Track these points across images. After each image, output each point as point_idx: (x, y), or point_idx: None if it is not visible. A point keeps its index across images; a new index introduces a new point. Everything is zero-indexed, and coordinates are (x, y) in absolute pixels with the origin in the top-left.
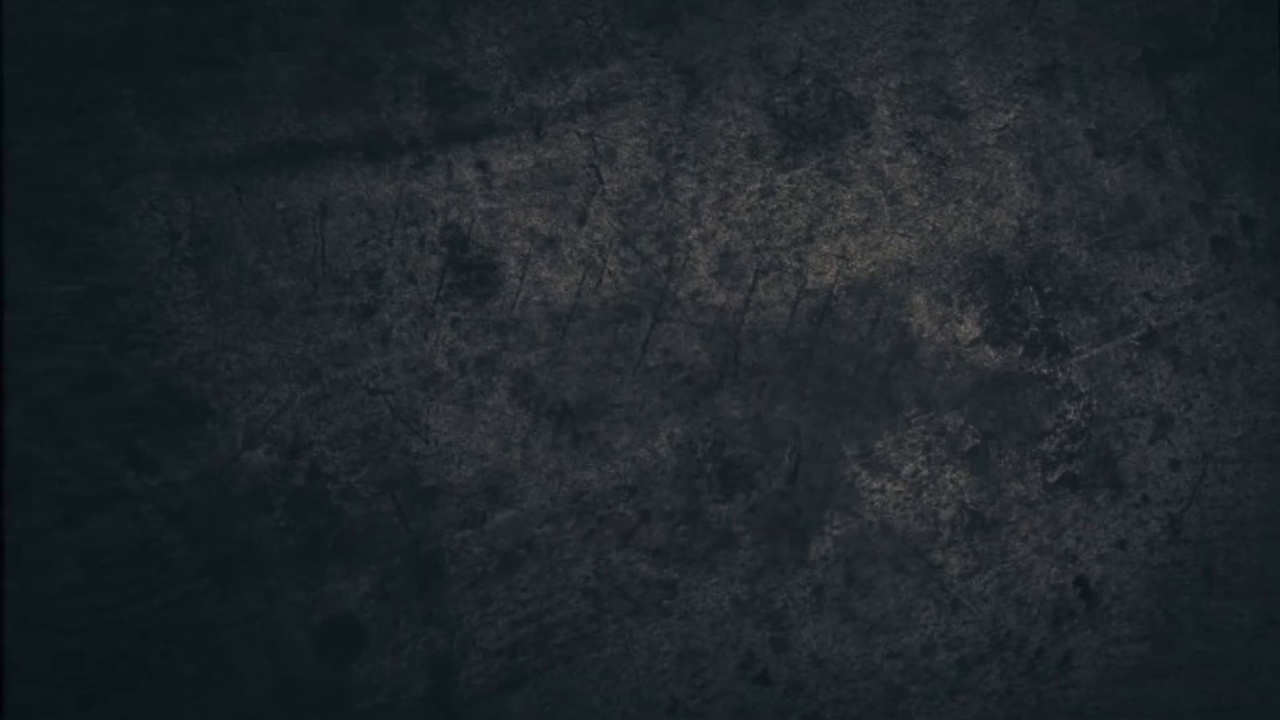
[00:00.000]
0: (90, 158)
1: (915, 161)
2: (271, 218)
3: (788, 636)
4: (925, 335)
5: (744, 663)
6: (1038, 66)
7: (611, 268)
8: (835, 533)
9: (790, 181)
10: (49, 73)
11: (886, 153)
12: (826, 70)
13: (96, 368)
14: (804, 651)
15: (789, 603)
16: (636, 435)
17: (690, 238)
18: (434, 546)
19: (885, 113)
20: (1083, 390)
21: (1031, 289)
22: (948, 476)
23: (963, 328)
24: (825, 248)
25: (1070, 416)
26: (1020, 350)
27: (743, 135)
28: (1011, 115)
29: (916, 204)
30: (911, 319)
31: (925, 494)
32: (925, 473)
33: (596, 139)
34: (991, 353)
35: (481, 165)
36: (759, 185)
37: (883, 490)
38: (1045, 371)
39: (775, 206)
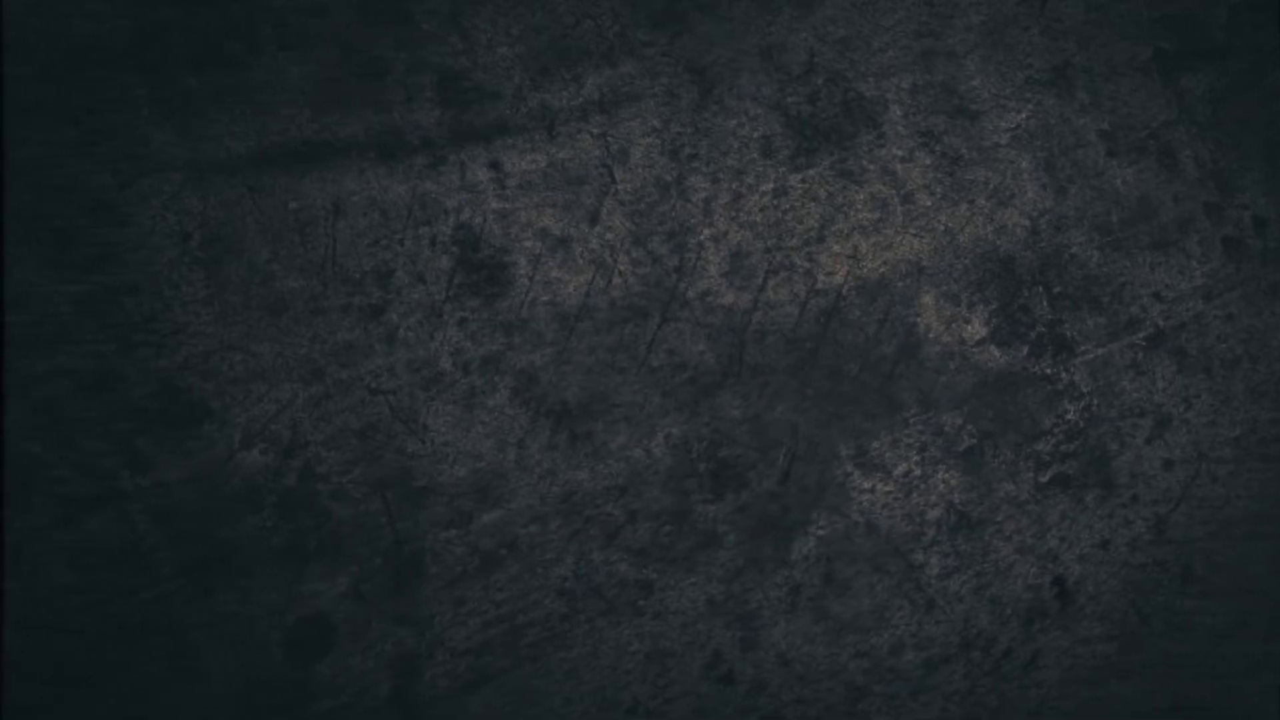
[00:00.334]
0: (101, 157)
1: (928, 161)
2: (284, 217)
3: (757, 636)
4: (932, 335)
5: (710, 663)
6: (1049, 66)
7: (622, 268)
8: (820, 533)
9: (803, 181)
10: (58, 72)
11: (899, 153)
12: (838, 70)
13: (101, 367)
14: (771, 651)
15: (763, 603)
16: (633, 435)
17: (702, 237)
18: (417, 547)
19: (898, 113)
20: (1084, 390)
21: (1041, 289)
22: (940, 476)
23: (970, 328)
24: (836, 248)
25: (1069, 417)
26: (1025, 350)
27: (756, 135)
28: (1024, 115)
29: (929, 204)
30: (919, 319)
31: (915, 494)
32: (918, 473)
33: (609, 139)
34: (996, 353)
35: (494, 165)
36: (772, 185)
37: (873, 490)
38: (1049, 372)
39: (788, 206)
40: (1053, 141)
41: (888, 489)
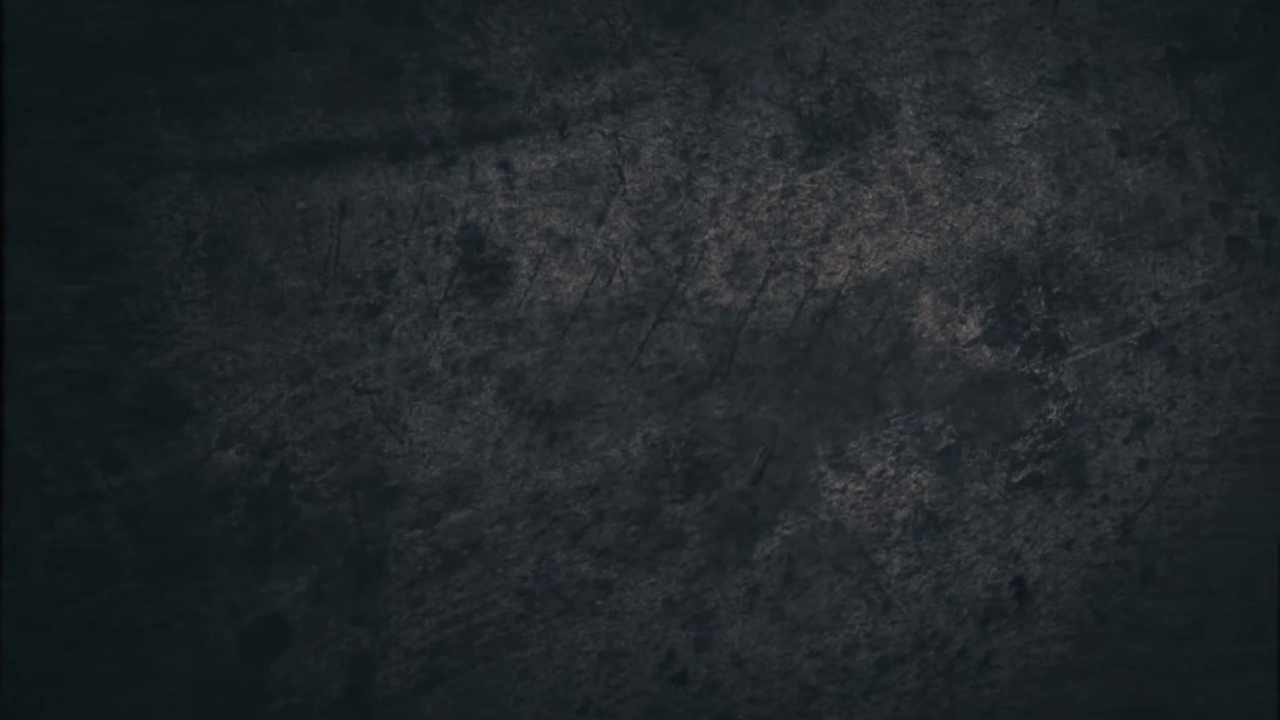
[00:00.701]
0: (108, 157)
1: (939, 161)
2: (290, 217)
3: (712, 637)
4: (925, 335)
5: (664, 663)
6: (1062, 66)
7: (624, 268)
8: (785, 533)
9: (812, 181)
10: (65, 72)
11: (910, 153)
12: (850, 70)
13: (96, 368)
14: (725, 652)
15: (720, 603)
16: (612, 435)
17: (707, 238)
18: (380, 547)
19: (910, 113)
20: (1070, 390)
21: (1040, 289)
22: (912, 477)
23: (964, 328)
24: (840, 247)
25: (1051, 416)
26: (1017, 350)
27: (767, 135)
28: (1036, 115)
29: (936, 204)
30: (915, 319)
31: (885, 494)
32: (891, 473)
33: (621, 139)
34: (988, 353)
35: (504, 165)
36: (781, 185)
37: (844, 490)
38: (1037, 372)
39: (795, 206)
40: (1064, 141)
41: (859, 489)
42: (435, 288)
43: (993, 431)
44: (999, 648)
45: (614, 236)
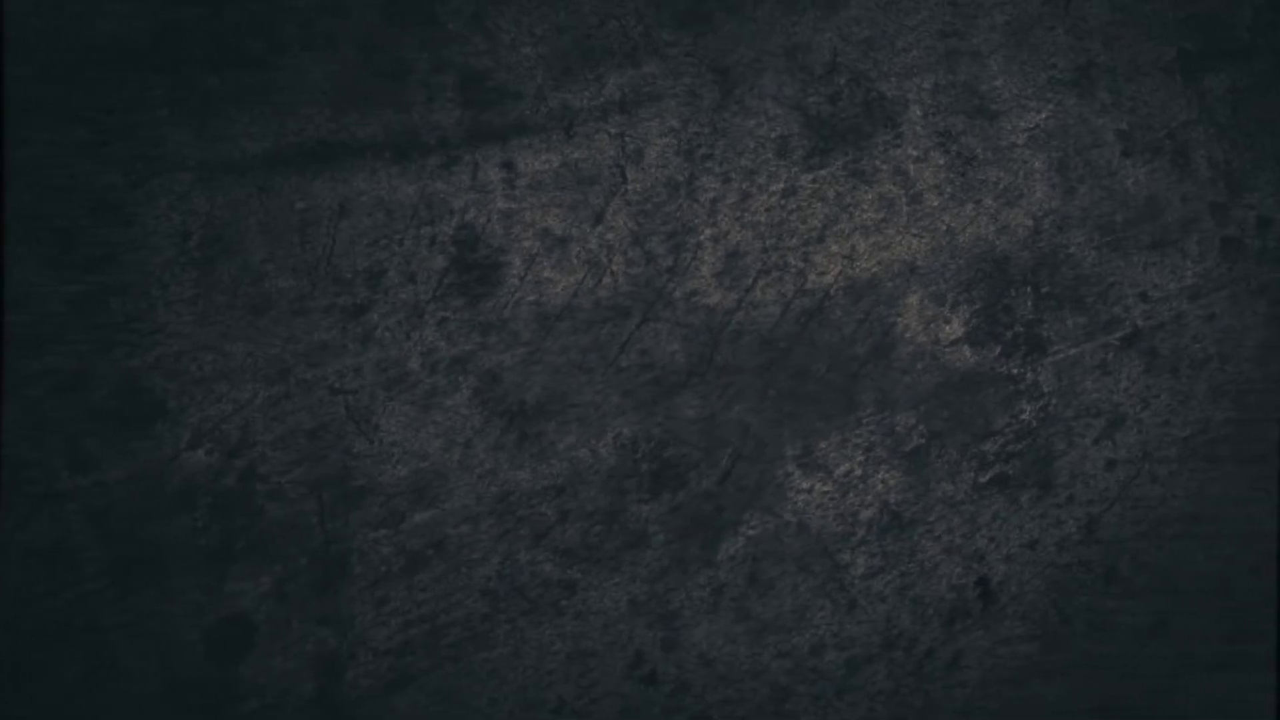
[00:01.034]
0: (112, 157)
1: (942, 161)
2: (289, 218)
3: (678, 637)
4: (908, 335)
5: (633, 663)
6: (1073, 66)
7: (615, 268)
8: (750, 533)
9: (814, 181)
10: (71, 72)
11: (914, 153)
12: (861, 70)
13: (78, 368)
14: (693, 651)
15: (685, 603)
16: (582, 435)
17: (702, 237)
18: (344, 547)
19: (918, 113)
20: (1046, 390)
21: (1029, 289)
22: (879, 477)
23: (948, 328)
24: (834, 247)
25: (1024, 417)
26: (998, 350)
27: (773, 135)
28: (1043, 115)
29: (936, 204)
30: (899, 319)
31: (851, 494)
32: (858, 473)
33: (626, 139)
34: (968, 353)
35: (507, 165)
36: (782, 185)
37: (810, 490)
38: (1015, 372)
39: (794, 206)
40: (1069, 141)
41: (825, 489)
42: (424, 288)
43: (963, 432)
44: (966, 648)
45: (609, 236)
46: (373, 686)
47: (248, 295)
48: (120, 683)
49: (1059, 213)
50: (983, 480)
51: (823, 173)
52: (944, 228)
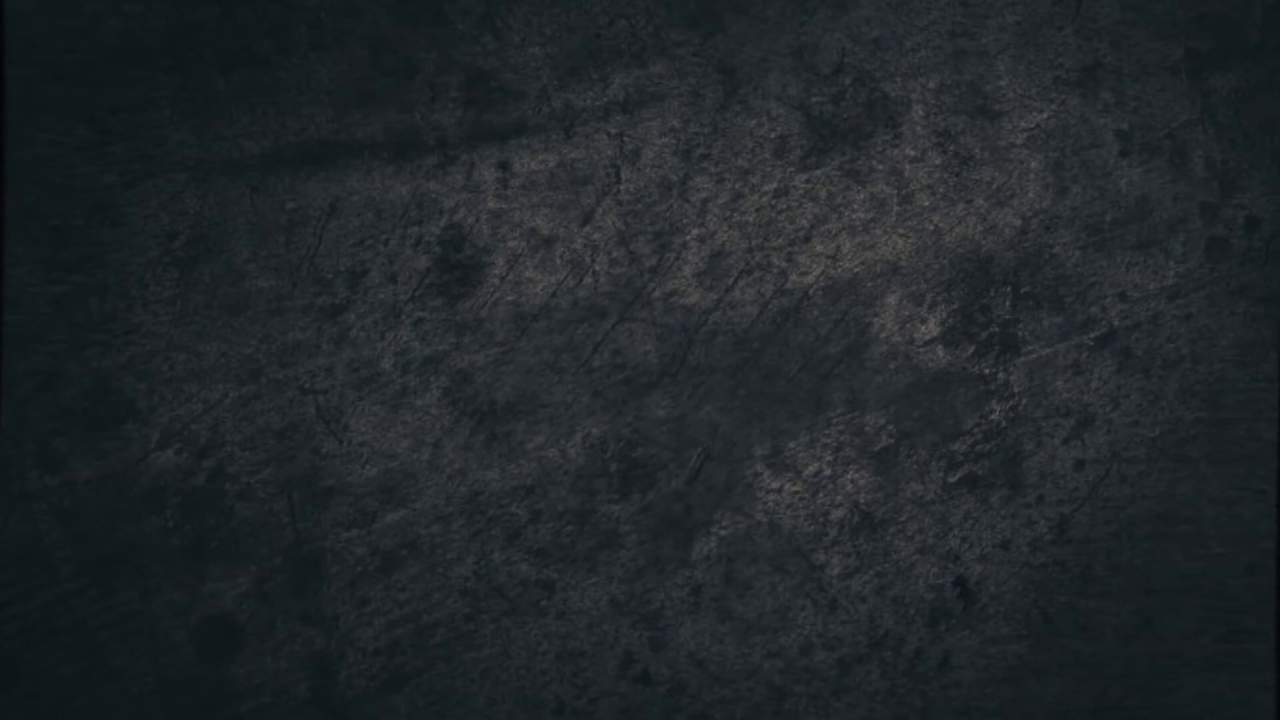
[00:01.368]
0: (113, 157)
1: (938, 161)
2: (277, 217)
3: (665, 636)
4: (883, 335)
5: (623, 663)
6: (1079, 66)
7: (598, 268)
8: (722, 533)
9: (808, 181)
10: (83, 72)
11: (912, 152)
12: (867, 70)
13: (52, 367)
14: (682, 651)
15: (666, 603)
16: (552, 435)
17: (688, 237)
18: (317, 546)
19: (919, 113)
20: (1016, 390)
21: (1009, 289)
22: (849, 477)
23: (924, 328)
24: (819, 248)
25: (993, 417)
26: (970, 350)
27: (773, 135)
28: (1045, 115)
29: (927, 204)
30: (876, 319)
31: (821, 494)
32: (827, 473)
33: (625, 139)
34: (941, 353)
35: (503, 165)
36: (775, 185)
37: (780, 490)
38: (986, 372)
39: (784, 206)
40: (1068, 141)
41: (795, 489)
42: (404, 288)
43: (932, 432)
44: (955, 648)
45: (596, 236)
46: (368, 686)
47: (226, 295)
48: (115, 682)
49: (1048, 213)
50: (952, 480)
51: (817, 173)
52: (931, 228)
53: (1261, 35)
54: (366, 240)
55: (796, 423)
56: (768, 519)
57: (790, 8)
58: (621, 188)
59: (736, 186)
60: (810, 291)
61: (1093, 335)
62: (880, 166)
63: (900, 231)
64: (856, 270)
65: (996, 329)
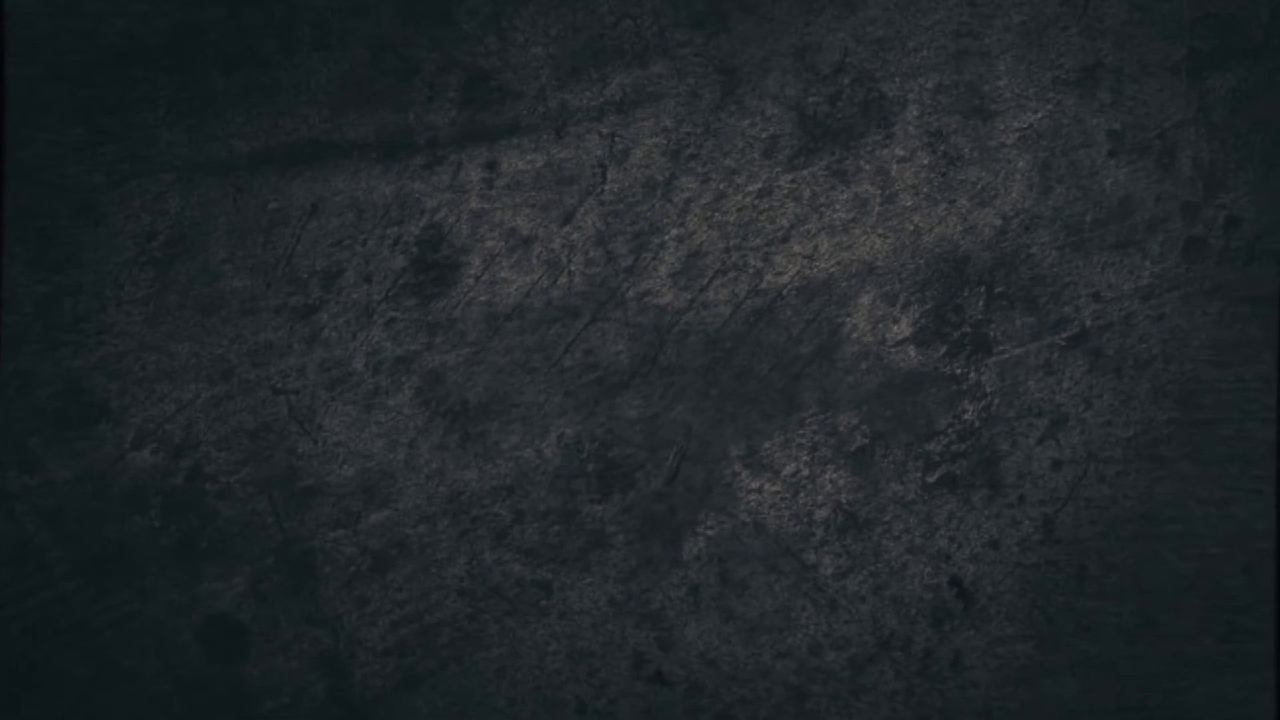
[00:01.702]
0: (103, 157)
1: (926, 161)
2: (258, 218)
3: (671, 636)
4: (854, 335)
5: (635, 663)
6: (1079, 66)
7: (574, 268)
8: (709, 533)
9: (793, 181)
10: (87, 72)
11: (901, 152)
12: (867, 70)
13: (28, 367)
14: (692, 651)
15: (666, 603)
16: (526, 435)
17: (667, 237)
18: (306, 546)
19: (914, 113)
20: (988, 390)
21: (983, 289)
22: (827, 477)
23: (896, 328)
24: (797, 248)
25: (966, 417)
26: (942, 350)
27: (764, 135)
28: (1039, 115)
29: (909, 204)
30: (848, 319)
31: (802, 494)
32: (806, 473)
33: (616, 139)
34: (913, 353)
35: (490, 165)
36: (759, 185)
37: (760, 490)
38: (958, 372)
39: (766, 206)
40: (1058, 142)
41: (775, 489)
42: (378, 288)
43: (906, 431)
44: (964, 648)
45: (575, 237)
46: (384, 686)
47: (200, 295)
48: (131, 683)
49: (1030, 213)
50: (931, 480)
51: (804, 173)
52: (911, 228)
53: (1265, 35)
54: (345, 240)
55: (770, 423)
56: (752, 519)
57: (797, 7)
58: (606, 188)
59: (721, 186)
60: (784, 292)
61: (1064, 335)
62: (867, 166)
63: (879, 232)
64: (832, 270)
65: (969, 329)
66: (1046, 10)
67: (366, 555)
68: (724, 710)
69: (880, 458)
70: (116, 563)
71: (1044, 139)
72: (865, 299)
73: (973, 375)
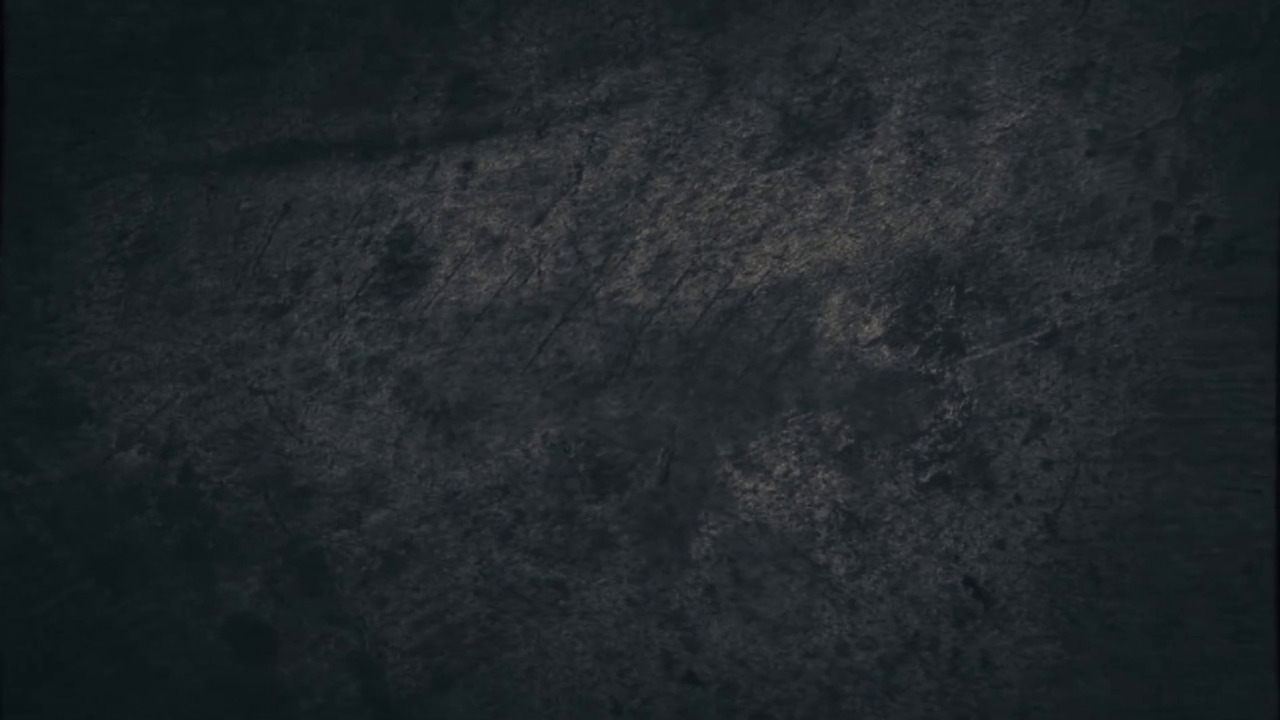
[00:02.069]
0: (81, 157)
1: (903, 161)
2: (230, 217)
3: (697, 636)
4: (826, 335)
5: (665, 663)
6: (1069, 66)
7: (544, 268)
8: (713, 533)
9: (767, 181)
10: (86, 72)
11: (879, 152)
12: (857, 70)
13: (2, 367)
14: (719, 651)
15: (685, 603)
16: (511, 435)
17: (638, 237)
18: (312, 546)
19: (897, 113)
20: (966, 390)
21: (953, 289)
22: (820, 477)
23: (867, 328)
24: (767, 247)
25: (948, 416)
26: (916, 350)
27: (745, 135)
28: (1022, 116)
29: (882, 204)
30: (819, 319)
31: (798, 494)
32: (797, 473)
33: (596, 139)
34: (886, 353)
35: (467, 166)
36: (734, 185)
37: (755, 490)
38: (933, 372)
39: (739, 206)
40: (1038, 142)
41: (770, 489)
42: (348, 288)
43: (890, 431)
44: (991, 648)
45: (545, 236)
46: (417, 686)
47: (170, 295)
48: (161, 683)
49: (1002, 213)
50: (923, 480)
51: (779, 173)
52: (883, 228)
53: (1262, 36)
54: (315, 240)
55: (753, 423)
56: (753, 519)
57: (798, 7)
58: (580, 188)
59: (695, 186)
60: (754, 291)
61: (1036, 335)
62: (844, 166)
63: (851, 232)
64: (802, 270)
65: (940, 329)
66: (1047, 10)
67: (376, 555)
68: (759, 710)
69: (869, 458)
70: (126, 563)
71: (1024, 139)
72: (836, 299)
73: (949, 375)
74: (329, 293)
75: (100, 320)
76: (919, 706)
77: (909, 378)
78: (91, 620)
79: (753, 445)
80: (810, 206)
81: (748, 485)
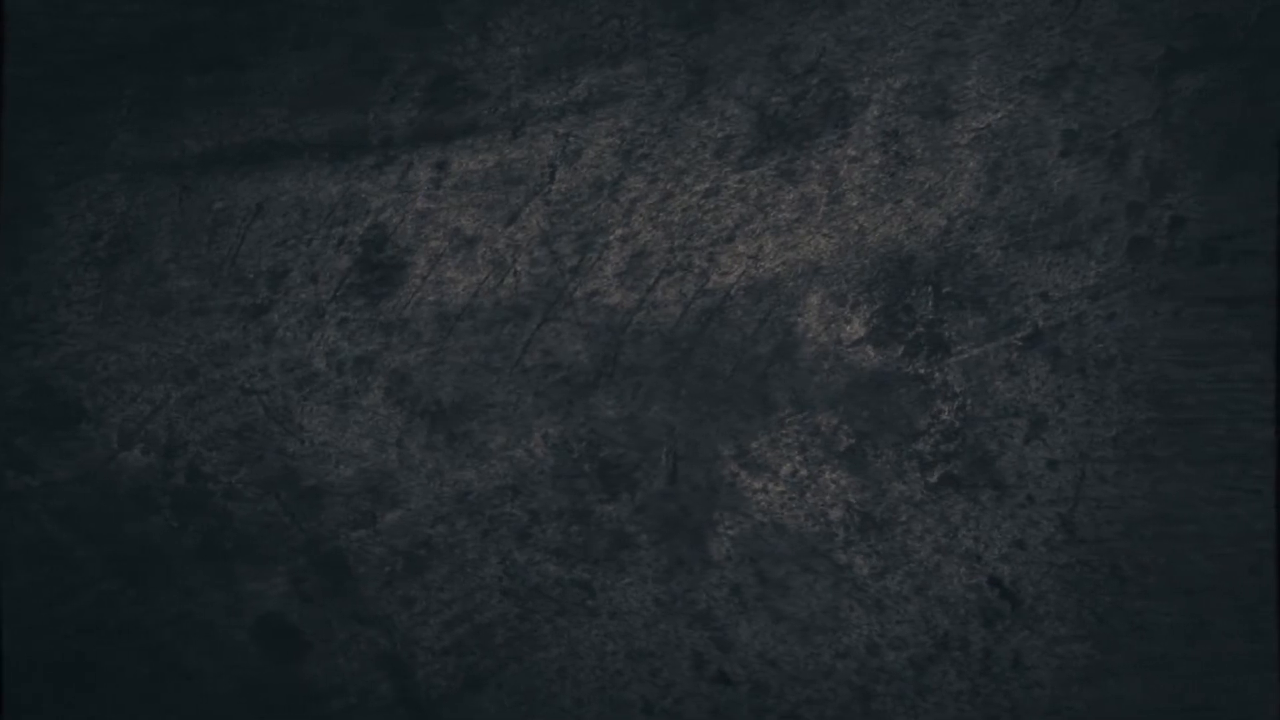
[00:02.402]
0: (58, 157)
1: (877, 161)
2: (203, 217)
3: (726, 636)
4: (810, 335)
5: (696, 663)
6: (1051, 66)
7: (519, 268)
8: (730, 533)
9: (740, 181)
10: (81, 73)
11: (853, 152)
12: (838, 70)
13: None
14: (750, 651)
15: (712, 603)
16: (511, 435)
17: (611, 237)
18: (331, 547)
19: (874, 113)
20: (957, 390)
21: (930, 289)
22: (828, 477)
23: (849, 328)
24: (741, 247)
25: (945, 417)
26: (900, 350)
27: (719, 135)
28: (999, 116)
29: (855, 204)
30: (800, 319)
31: (809, 494)
32: (804, 473)
33: (571, 139)
34: (871, 353)
35: (440, 165)
36: (707, 185)
37: (765, 491)
38: (922, 371)
39: (712, 206)
40: (1012, 142)
41: (780, 489)
42: (325, 288)
43: (890, 431)
44: (1022, 648)
45: (519, 236)
46: (449, 686)
47: (148, 295)
48: (193, 683)
49: (975, 213)
50: (932, 480)
51: (752, 173)
52: (856, 228)
53: (1247, 36)
54: (289, 240)
55: (750, 423)
56: (769, 519)
57: (787, 8)
58: (553, 188)
59: (668, 186)
60: (732, 291)
61: (1019, 335)
62: (818, 166)
63: (824, 232)
64: (778, 270)
65: (922, 329)
66: (1035, 10)
67: (398, 556)
68: (790, 710)
69: (873, 458)
70: (148, 563)
71: (999, 139)
72: (814, 299)
73: (938, 375)
74: (307, 293)
75: (81, 320)
76: (951, 707)
77: (899, 378)
78: (118, 621)
79: (754, 445)
80: (783, 206)
81: (757, 485)
